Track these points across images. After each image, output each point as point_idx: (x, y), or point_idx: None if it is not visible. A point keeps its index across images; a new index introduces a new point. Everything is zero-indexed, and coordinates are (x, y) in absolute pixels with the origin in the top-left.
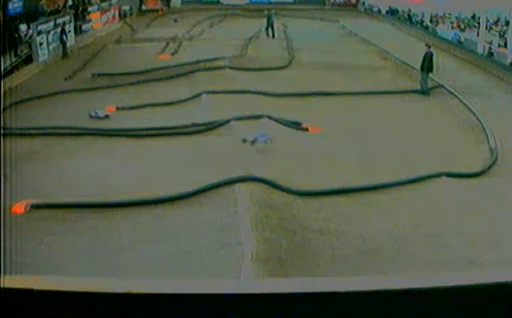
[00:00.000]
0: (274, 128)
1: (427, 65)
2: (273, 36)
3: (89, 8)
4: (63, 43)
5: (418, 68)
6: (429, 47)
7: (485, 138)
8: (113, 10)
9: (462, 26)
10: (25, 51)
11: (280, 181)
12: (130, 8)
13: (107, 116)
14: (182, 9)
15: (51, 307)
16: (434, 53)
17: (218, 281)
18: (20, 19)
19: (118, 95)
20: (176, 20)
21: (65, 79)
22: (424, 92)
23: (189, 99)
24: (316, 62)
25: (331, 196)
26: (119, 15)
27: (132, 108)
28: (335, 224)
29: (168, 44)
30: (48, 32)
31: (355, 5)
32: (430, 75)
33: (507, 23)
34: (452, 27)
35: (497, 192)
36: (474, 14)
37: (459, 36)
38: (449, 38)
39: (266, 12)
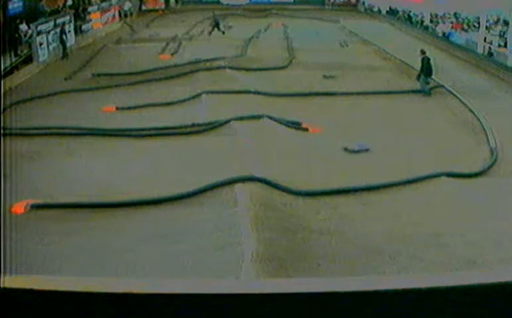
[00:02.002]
0: (274, 128)
1: (426, 69)
2: (209, 34)
3: (89, 8)
4: (63, 43)
5: (418, 72)
6: (424, 53)
7: (485, 138)
8: (113, 11)
9: (465, 27)
10: (25, 51)
11: (280, 181)
12: (130, 7)
13: None
14: (180, 10)
15: (51, 307)
16: (431, 57)
17: (218, 281)
18: (20, 19)
19: (118, 95)
20: (158, 34)
21: (65, 79)
22: (424, 92)
23: (189, 99)
24: (316, 62)
25: (331, 196)
26: (119, 15)
27: (132, 108)
28: (336, 224)
29: (168, 44)
30: (48, 32)
31: (355, 5)
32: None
33: (506, 23)
34: (452, 27)
35: (497, 192)
36: (456, 12)
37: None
38: (462, 42)
39: (212, 13)
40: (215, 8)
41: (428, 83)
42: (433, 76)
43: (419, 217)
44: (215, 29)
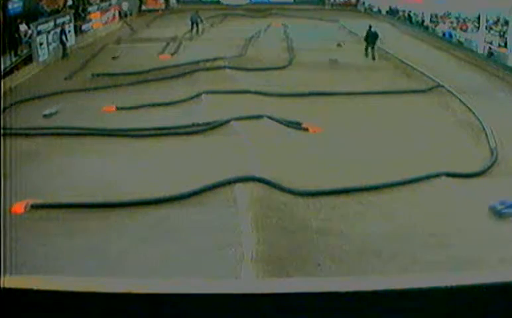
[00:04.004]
0: (274, 128)
1: (371, 39)
2: (197, 32)
3: (89, 8)
4: (63, 43)
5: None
6: (371, 27)
7: (485, 138)
8: (113, 10)
9: (464, 27)
10: (25, 51)
11: (280, 181)
12: (128, 7)
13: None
14: (181, 9)
15: (51, 307)
16: (378, 32)
17: (218, 281)
18: (20, 19)
19: (118, 95)
20: (114, 58)
21: (66, 79)
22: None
23: (189, 99)
24: (316, 62)
25: (331, 196)
26: (119, 15)
27: (132, 108)
28: (335, 224)
29: (168, 44)
30: (48, 32)
31: (355, 5)
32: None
33: (506, 23)
34: (453, 28)
35: (497, 192)
36: (439, 14)
37: (457, 35)
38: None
39: (191, 13)
40: (216, 8)
41: (367, 49)
42: (376, 44)
43: (419, 217)
44: (196, 28)
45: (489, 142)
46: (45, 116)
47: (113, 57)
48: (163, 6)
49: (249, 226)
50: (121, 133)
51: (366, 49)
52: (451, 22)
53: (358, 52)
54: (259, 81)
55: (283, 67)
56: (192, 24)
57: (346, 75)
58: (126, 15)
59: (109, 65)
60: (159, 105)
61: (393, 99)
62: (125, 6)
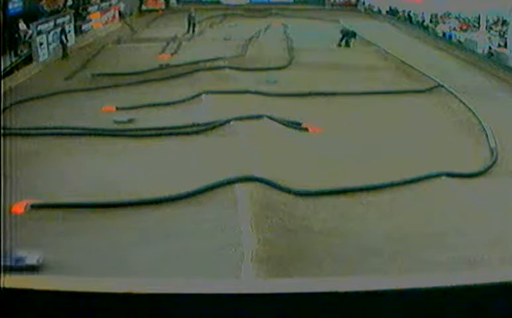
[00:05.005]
0: (274, 128)
1: (350, 34)
2: (193, 31)
3: (89, 8)
4: (63, 43)
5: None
6: (342, 29)
7: (485, 138)
8: (113, 11)
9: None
10: (25, 51)
11: (281, 181)
12: (125, 7)
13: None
14: (181, 9)
15: (51, 307)
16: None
17: (218, 281)
18: (20, 19)
19: (118, 95)
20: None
21: (66, 79)
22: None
23: (189, 99)
24: (316, 62)
25: (331, 196)
26: (119, 15)
27: (132, 108)
28: (335, 224)
29: (168, 44)
30: (48, 32)
31: (355, 5)
32: None
33: (505, 23)
34: (454, 28)
35: (497, 192)
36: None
37: (457, 35)
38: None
39: (189, 12)
40: (215, 8)
41: (349, 41)
42: (356, 37)
43: (419, 217)
44: (191, 29)
45: (489, 142)
46: (116, 122)
47: (161, 66)
48: (163, 6)
49: (249, 226)
50: (120, 133)
51: (346, 41)
52: (451, 23)
53: (358, 52)
54: (259, 81)
55: (283, 67)
56: (192, 24)
57: (346, 75)
58: (124, 16)
59: (109, 65)
60: (159, 104)
61: (393, 99)
62: (121, 6)
